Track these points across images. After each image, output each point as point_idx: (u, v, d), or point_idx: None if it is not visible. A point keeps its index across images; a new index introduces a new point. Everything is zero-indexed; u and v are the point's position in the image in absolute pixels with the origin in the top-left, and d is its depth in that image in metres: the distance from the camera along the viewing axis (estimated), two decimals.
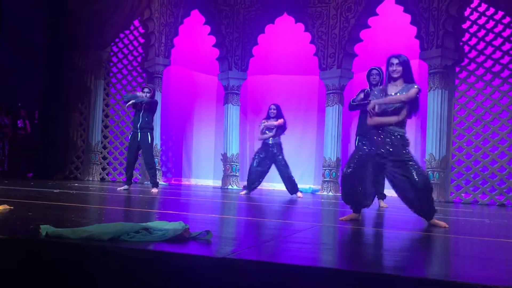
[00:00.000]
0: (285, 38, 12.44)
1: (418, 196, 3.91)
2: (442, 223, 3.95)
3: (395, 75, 4.04)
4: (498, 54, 9.23)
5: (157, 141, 11.01)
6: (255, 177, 8.28)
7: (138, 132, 7.49)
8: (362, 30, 10.97)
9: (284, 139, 12.46)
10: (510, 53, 9.08)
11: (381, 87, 4.23)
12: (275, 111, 8.15)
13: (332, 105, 11.09)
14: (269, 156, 8.16)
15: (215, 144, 12.96)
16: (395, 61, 4.05)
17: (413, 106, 4.01)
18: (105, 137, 11.63)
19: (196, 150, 13.09)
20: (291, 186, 8.20)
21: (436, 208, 4.07)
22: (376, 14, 10.82)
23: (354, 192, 4.10)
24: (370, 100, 4.07)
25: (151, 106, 7.52)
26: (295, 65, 12.45)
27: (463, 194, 9.37)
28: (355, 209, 4.20)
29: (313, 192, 11.32)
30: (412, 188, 3.88)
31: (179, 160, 13.07)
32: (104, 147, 11.60)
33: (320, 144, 11.88)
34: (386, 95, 4.01)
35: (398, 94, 3.97)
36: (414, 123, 10.74)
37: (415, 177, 3.86)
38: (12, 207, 3.49)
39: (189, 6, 11.85)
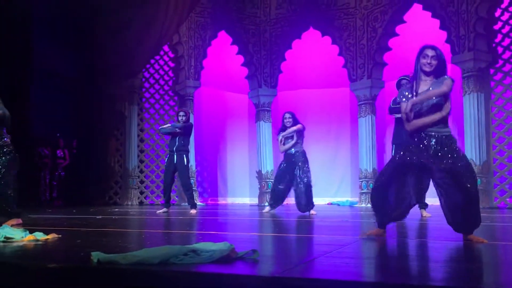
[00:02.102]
0: (313, 52, 12.47)
1: (466, 206, 3.38)
2: (481, 239, 3.39)
3: (428, 69, 3.49)
4: None
5: (192, 162, 11.14)
6: (279, 194, 7.40)
7: (174, 155, 7.62)
8: (390, 39, 10.90)
9: (319, 152, 12.48)
10: None
11: (408, 85, 3.66)
12: (290, 119, 7.30)
13: (365, 116, 11.00)
14: (293, 167, 7.21)
15: (249, 161, 13.01)
16: (431, 52, 3.49)
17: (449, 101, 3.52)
18: (141, 161, 11.85)
19: (230, 169, 13.17)
20: (307, 204, 7.04)
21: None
22: (404, 22, 10.74)
23: (382, 205, 3.68)
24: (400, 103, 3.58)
25: (186, 130, 7.66)
26: (325, 78, 12.43)
27: (507, 199, 9.07)
28: (380, 223, 3.75)
29: (351, 205, 11.17)
30: (462, 195, 3.37)
31: (215, 179, 13.17)
32: (141, 171, 11.81)
33: (355, 156, 11.76)
34: (417, 94, 3.49)
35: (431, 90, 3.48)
36: (451, 127, 10.51)
37: (467, 184, 3.35)
38: (60, 236, 3.59)
39: (216, 27, 12.06)
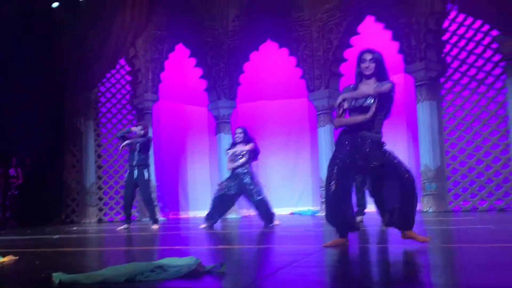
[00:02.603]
0: (271, 64, 12.61)
1: (403, 199, 3.41)
2: (422, 238, 3.47)
3: (368, 72, 3.55)
4: (480, 62, 9.41)
5: (152, 177, 10.96)
6: (218, 211, 7.08)
7: (134, 170, 7.49)
8: (345, 50, 11.16)
9: (279, 163, 12.58)
10: (492, 60, 9.26)
11: (351, 86, 3.69)
12: (241, 135, 6.96)
13: (324, 126, 11.19)
14: (240, 187, 6.91)
15: (210, 174, 12.94)
16: (368, 56, 3.56)
17: (388, 105, 3.55)
18: (99, 177, 11.55)
19: (191, 182, 13.05)
20: (268, 217, 6.91)
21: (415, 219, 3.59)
22: (358, 33, 11.03)
23: (341, 213, 3.59)
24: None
25: (145, 145, 7.56)
26: (283, 90, 12.58)
27: (461, 202, 9.40)
28: (342, 233, 3.67)
29: (313, 214, 11.29)
30: (399, 185, 3.41)
31: (176, 194, 13.00)
32: (99, 188, 11.50)
33: (315, 165, 11.91)
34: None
35: None
36: (406, 135, 10.86)
37: (405, 174, 3.41)
38: (17, 257, 3.44)
39: (174, 40, 11.99)
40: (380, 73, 3.55)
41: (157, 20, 11.69)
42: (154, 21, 11.59)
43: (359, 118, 3.49)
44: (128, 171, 7.66)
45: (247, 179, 6.85)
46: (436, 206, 9.38)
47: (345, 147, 3.55)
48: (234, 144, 7.02)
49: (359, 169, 3.58)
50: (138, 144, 7.46)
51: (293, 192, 12.49)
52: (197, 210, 12.93)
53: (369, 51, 3.60)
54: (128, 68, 11.90)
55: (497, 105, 9.11)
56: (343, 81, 11.35)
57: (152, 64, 11.74)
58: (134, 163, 7.49)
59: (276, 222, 6.92)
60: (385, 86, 3.46)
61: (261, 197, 6.89)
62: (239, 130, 7.05)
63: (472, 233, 4.72)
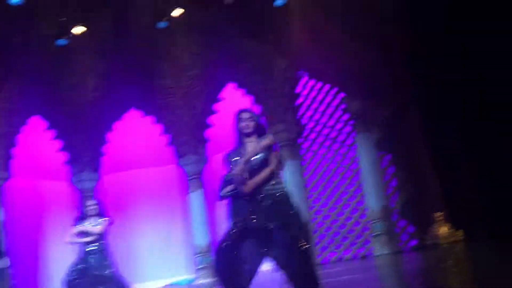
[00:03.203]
0: (137, 132, 12.37)
1: (305, 265, 3.39)
2: None
3: (248, 131, 3.56)
4: (332, 121, 10.34)
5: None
6: None
7: None
8: (210, 116, 11.46)
9: (150, 232, 12.10)
10: (342, 119, 10.23)
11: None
12: (96, 207, 6.16)
13: (195, 190, 11.16)
14: (93, 268, 6.05)
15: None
16: (246, 115, 3.59)
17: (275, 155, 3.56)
18: None
19: (56, 262, 11.83)
20: None
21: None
22: (220, 100, 11.43)
23: (233, 276, 3.46)
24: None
25: None
26: (151, 157, 12.36)
27: (329, 254, 9.90)
28: None
29: (189, 283, 10.94)
30: (299, 256, 3.37)
31: (34, 281, 11.64)
32: None
33: (188, 232, 11.69)
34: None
35: None
36: None
37: (302, 241, 3.37)
38: None
39: (27, 112, 11.13)
40: (260, 131, 3.60)
41: (8, 93, 10.82)
42: (4, 94, 10.72)
43: (265, 172, 3.45)
44: None
45: (99, 258, 6.04)
46: None
47: (242, 211, 3.52)
48: (83, 218, 6.12)
49: (257, 232, 3.48)
50: None
51: (167, 262, 12.02)
52: None
53: (246, 110, 3.65)
54: None
55: (350, 160, 10.00)
56: (211, 145, 11.56)
57: (2, 140, 10.70)
58: None
59: None
60: (270, 137, 3.55)
61: (113, 275, 6.13)
62: (91, 203, 6.24)
63: (342, 286, 4.95)
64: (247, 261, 3.51)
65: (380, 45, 8.48)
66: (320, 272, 3.55)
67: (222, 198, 3.80)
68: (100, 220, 6.08)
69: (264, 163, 3.48)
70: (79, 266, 6.06)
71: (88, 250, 6.02)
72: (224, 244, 3.47)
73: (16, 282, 10.82)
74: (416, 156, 8.38)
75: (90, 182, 11.51)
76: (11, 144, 10.87)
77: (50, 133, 11.62)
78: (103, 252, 6.08)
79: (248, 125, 3.56)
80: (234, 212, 3.70)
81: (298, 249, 3.40)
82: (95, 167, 11.61)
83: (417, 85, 8.05)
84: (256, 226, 3.47)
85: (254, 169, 3.48)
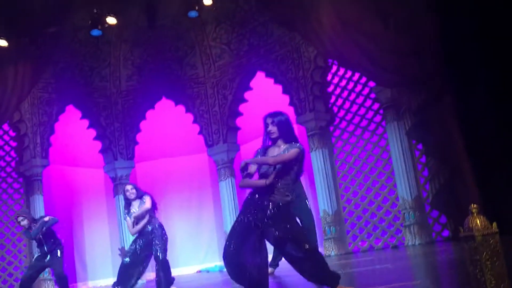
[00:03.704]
0: (168, 121, 12.58)
1: (313, 265, 3.55)
2: None
3: (272, 136, 3.63)
4: (362, 110, 10.25)
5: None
6: (125, 278, 6.46)
7: (46, 255, 7.01)
8: (240, 104, 11.54)
9: (182, 220, 12.32)
10: (373, 108, 10.13)
11: (264, 148, 3.73)
12: (134, 191, 6.35)
13: (225, 179, 11.30)
14: (147, 246, 6.36)
15: (110, 239, 12.26)
16: (269, 120, 3.66)
17: (296, 168, 3.60)
18: None
19: (89, 250, 12.23)
20: (166, 278, 6.32)
21: (338, 273, 3.69)
22: (251, 88, 11.50)
23: (240, 272, 3.54)
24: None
25: (47, 231, 7.07)
26: (183, 146, 12.56)
27: (359, 243, 9.90)
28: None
29: (221, 270, 11.11)
30: (305, 258, 3.53)
31: (72, 264, 12.06)
32: None
33: (219, 220, 11.87)
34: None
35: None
36: (304, 182, 11.30)
37: (305, 244, 3.55)
38: None
39: (63, 102, 11.49)
40: (286, 135, 3.61)
41: (44, 82, 11.18)
42: (41, 84, 11.08)
43: (259, 182, 3.55)
44: (39, 254, 7.11)
45: (157, 234, 6.29)
46: (337, 249, 9.77)
47: (247, 208, 3.60)
48: (128, 203, 6.37)
49: (259, 230, 3.56)
50: (38, 235, 6.99)
51: (199, 248, 12.26)
52: (96, 279, 12.10)
53: (269, 115, 3.67)
54: (12, 134, 11.13)
55: (381, 149, 9.91)
56: (241, 134, 11.66)
57: (41, 128, 11.08)
58: (46, 249, 7.03)
59: None
60: (286, 154, 3.52)
61: (163, 256, 6.30)
62: (129, 187, 6.41)
63: (373, 274, 4.97)
64: (253, 255, 3.56)
65: (412, 32, 8.32)
66: (351, 260, 3.60)
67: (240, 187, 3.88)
68: (144, 198, 6.27)
69: (264, 174, 3.58)
70: (132, 247, 6.38)
71: (146, 231, 6.26)
72: (231, 247, 3.53)
73: None
74: (449, 145, 8.23)
75: (123, 170, 11.80)
76: (50, 131, 11.23)
77: (85, 122, 11.93)
78: (161, 229, 6.29)
79: (271, 130, 3.61)
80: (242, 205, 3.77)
81: (305, 255, 3.53)
82: (128, 155, 11.88)
83: (450, 71, 7.89)
84: (255, 222, 3.54)
85: (262, 173, 3.59)
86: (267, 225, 3.53)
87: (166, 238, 6.44)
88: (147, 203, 6.24)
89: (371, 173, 9.94)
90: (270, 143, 3.72)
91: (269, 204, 3.54)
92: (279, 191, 3.55)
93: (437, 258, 5.80)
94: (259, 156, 3.67)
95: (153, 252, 6.33)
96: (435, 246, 7.99)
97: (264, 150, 3.67)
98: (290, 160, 3.51)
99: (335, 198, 10.12)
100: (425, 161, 9.07)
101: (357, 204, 10.02)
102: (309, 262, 3.55)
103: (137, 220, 6.28)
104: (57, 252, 7.05)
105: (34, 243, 7.93)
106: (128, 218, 6.30)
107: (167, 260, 6.44)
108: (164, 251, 6.38)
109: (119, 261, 11.47)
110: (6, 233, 10.55)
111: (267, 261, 3.70)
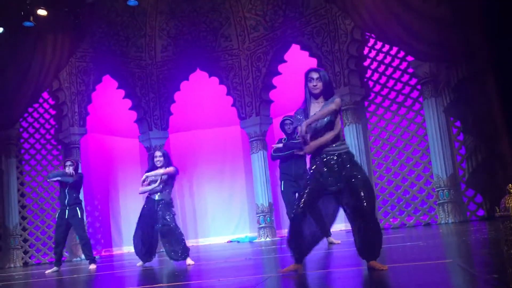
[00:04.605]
0: (202, 93, 12.66)
1: (365, 229, 3.37)
2: (382, 266, 3.36)
3: (316, 91, 3.54)
4: (399, 85, 10.02)
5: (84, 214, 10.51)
6: (147, 245, 6.26)
7: (66, 209, 7.20)
8: (274, 77, 11.47)
9: (214, 191, 12.52)
10: (410, 83, 9.90)
11: (301, 109, 3.64)
12: (161, 159, 6.10)
13: (257, 152, 11.34)
14: (154, 216, 6.08)
15: None
16: (314, 75, 3.54)
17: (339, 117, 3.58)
18: (23, 218, 10.89)
19: (125, 217, 12.63)
20: (182, 247, 5.95)
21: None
22: (285, 61, 11.39)
23: (299, 238, 3.53)
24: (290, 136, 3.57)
25: (76, 183, 7.31)
26: (216, 118, 12.66)
27: (391, 219, 9.83)
28: (298, 258, 3.63)
29: (251, 240, 11.29)
30: (361, 218, 3.37)
31: (108, 229, 12.51)
32: (24, 229, 10.83)
33: (250, 192, 11.98)
34: (309, 116, 3.53)
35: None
36: None
37: (364, 202, 3.34)
38: None
39: (100, 72, 11.72)
40: (328, 92, 3.57)
41: (82, 52, 11.40)
42: (78, 53, 11.30)
43: (329, 136, 3.47)
44: (60, 210, 7.36)
45: (163, 207, 6.02)
46: None
47: (317, 169, 3.50)
48: (152, 169, 6.14)
49: (332, 192, 3.50)
50: (68, 183, 7.22)
51: (230, 219, 12.47)
52: (131, 245, 12.49)
53: (316, 70, 3.59)
54: (51, 102, 11.46)
55: (417, 125, 9.71)
56: (274, 107, 11.63)
57: (78, 97, 11.37)
58: (66, 201, 7.22)
59: (189, 262, 5.87)
60: (337, 101, 3.51)
61: (174, 224, 6.03)
62: (158, 154, 6.19)
63: (405, 251, 4.94)
64: (317, 228, 3.55)
65: (452, 5, 8.00)
66: (383, 237, 3.55)
67: (273, 158, 3.69)
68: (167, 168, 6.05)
69: (328, 126, 3.49)
70: (143, 217, 6.16)
71: (152, 199, 6.06)
72: (299, 210, 3.47)
73: (91, 230, 11.68)
74: (488, 123, 7.98)
75: (157, 140, 12.00)
76: (87, 100, 11.51)
77: (121, 92, 12.14)
78: (167, 203, 6.04)
79: (316, 85, 3.53)
80: (283, 175, 3.62)
81: (364, 215, 3.38)
82: (163, 126, 12.07)
83: (495, 46, 7.58)
84: (325, 185, 3.48)
85: (317, 131, 3.49)
86: (336, 185, 3.45)
87: (175, 214, 6.20)
88: (167, 170, 6.03)
89: (405, 150, 9.78)
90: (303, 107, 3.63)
91: (336, 158, 3.46)
92: (339, 140, 3.51)
93: (470, 237, 5.70)
94: (298, 116, 3.60)
95: (162, 221, 6.00)
96: (469, 225, 7.85)
97: (303, 111, 3.60)
98: (338, 111, 3.52)
99: (368, 175, 10.01)
100: (462, 139, 8.85)
101: (390, 180, 9.90)
102: (365, 230, 3.38)
103: (151, 183, 6.06)
104: (76, 210, 7.24)
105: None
106: (144, 175, 6.14)
107: (179, 228, 6.20)
108: (174, 218, 6.11)
109: None
110: (46, 198, 10.98)
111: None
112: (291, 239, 3.61)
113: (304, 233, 3.54)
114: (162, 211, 6.00)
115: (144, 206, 6.24)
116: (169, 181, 6.12)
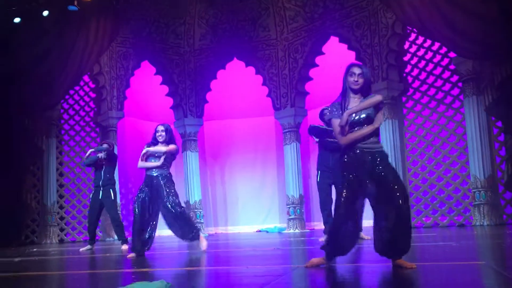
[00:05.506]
0: (238, 82, 12.70)
1: (397, 225, 3.30)
2: (410, 265, 3.33)
3: (356, 87, 3.44)
4: (439, 82, 9.76)
5: (117, 195, 10.78)
6: (145, 227, 5.79)
7: (100, 190, 7.40)
8: (311, 69, 11.38)
9: (246, 180, 12.58)
10: (451, 80, 9.63)
11: (337, 103, 3.54)
12: (164, 134, 5.70)
13: (290, 143, 11.32)
14: (154, 194, 5.71)
15: (180, 193, 12.78)
16: (357, 70, 3.44)
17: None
18: (61, 196, 11.26)
19: None
20: (190, 226, 5.78)
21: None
22: (323, 53, 11.27)
23: (339, 238, 3.49)
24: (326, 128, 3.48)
25: (111, 161, 7.49)
26: (250, 108, 12.68)
27: (423, 218, 9.64)
28: (331, 258, 3.62)
29: (280, 231, 11.32)
30: (393, 213, 3.28)
31: None
32: (61, 207, 11.21)
33: (281, 183, 11.99)
34: (345, 110, 3.44)
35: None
36: None
37: (399, 200, 3.27)
38: None
39: (139, 57, 11.92)
40: (366, 90, 3.49)
41: (122, 37, 11.62)
42: (119, 38, 11.52)
43: (368, 129, 3.40)
44: (94, 191, 7.58)
45: (162, 181, 5.67)
46: None
47: (353, 164, 3.44)
48: (154, 143, 5.76)
49: (361, 188, 3.45)
50: (103, 160, 7.40)
51: (260, 209, 12.52)
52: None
53: (359, 65, 3.51)
54: (92, 85, 11.75)
55: (456, 124, 9.45)
56: (309, 99, 11.55)
57: (117, 81, 11.62)
58: (100, 182, 7.41)
59: (203, 244, 5.71)
60: (378, 96, 3.49)
61: (178, 202, 5.77)
62: (161, 128, 5.75)
63: (437, 251, 4.85)
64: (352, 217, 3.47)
65: (497, 1, 7.71)
66: (414, 235, 3.50)
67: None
68: (169, 145, 5.72)
69: (366, 121, 3.42)
70: (141, 195, 5.75)
71: (151, 175, 5.72)
72: (341, 211, 3.44)
73: (125, 212, 11.97)
74: None
75: (192, 127, 12.15)
76: (126, 85, 11.75)
77: (158, 78, 12.32)
78: (168, 178, 5.73)
79: (357, 81, 3.44)
80: (321, 165, 3.52)
81: (395, 207, 3.31)
82: (198, 113, 12.20)
83: None
84: (356, 180, 3.43)
85: (354, 125, 3.43)
86: (367, 180, 3.39)
87: (174, 186, 5.83)
88: (169, 148, 5.69)
89: (442, 148, 9.54)
90: (340, 99, 3.54)
91: (370, 156, 3.39)
92: (376, 139, 3.45)
93: (505, 240, 5.54)
94: (334, 110, 3.52)
95: (164, 201, 5.67)
96: (505, 228, 7.62)
97: (339, 104, 3.51)
98: (380, 105, 3.46)
99: (402, 171, 9.85)
100: (503, 140, 8.56)
101: (424, 179, 9.70)
102: (397, 225, 3.31)
103: (151, 156, 5.74)
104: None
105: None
106: (144, 149, 5.81)
107: (183, 207, 5.97)
108: (176, 196, 5.80)
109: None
110: (83, 178, 11.31)
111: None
112: (332, 238, 3.56)
113: (347, 231, 3.47)
114: (161, 186, 5.64)
115: (143, 186, 5.80)
116: (168, 158, 5.78)
